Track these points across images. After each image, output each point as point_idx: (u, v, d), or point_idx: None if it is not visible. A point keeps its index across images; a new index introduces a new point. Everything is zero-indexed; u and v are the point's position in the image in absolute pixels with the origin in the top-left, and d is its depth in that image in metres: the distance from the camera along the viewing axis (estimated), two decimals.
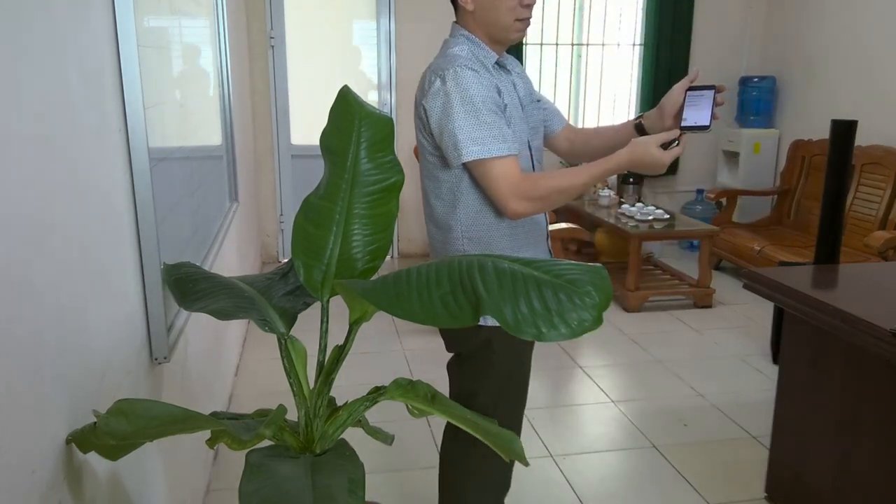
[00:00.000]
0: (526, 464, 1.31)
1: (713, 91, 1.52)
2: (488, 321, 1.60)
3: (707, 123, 1.51)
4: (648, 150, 1.46)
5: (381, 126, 1.47)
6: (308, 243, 1.43)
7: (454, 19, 1.65)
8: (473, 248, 1.63)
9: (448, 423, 1.61)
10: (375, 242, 1.46)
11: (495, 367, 1.65)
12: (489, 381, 1.66)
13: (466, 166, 1.56)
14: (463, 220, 1.62)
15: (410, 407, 1.40)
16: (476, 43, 1.60)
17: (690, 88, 1.57)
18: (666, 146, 1.47)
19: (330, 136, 1.49)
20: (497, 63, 1.62)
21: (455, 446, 1.75)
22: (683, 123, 1.53)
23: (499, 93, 1.57)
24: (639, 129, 1.68)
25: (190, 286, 1.44)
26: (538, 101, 1.77)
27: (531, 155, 1.69)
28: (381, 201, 1.47)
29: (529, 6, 1.56)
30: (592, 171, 1.51)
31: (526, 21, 1.57)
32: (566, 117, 1.93)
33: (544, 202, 1.54)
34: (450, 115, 1.51)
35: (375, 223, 1.46)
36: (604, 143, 1.74)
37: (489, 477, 1.74)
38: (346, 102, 1.51)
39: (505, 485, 1.81)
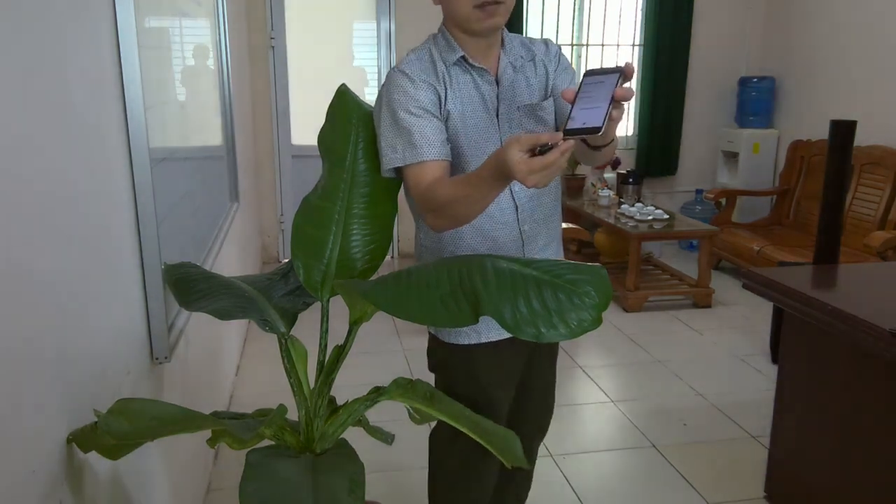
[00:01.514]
0: (527, 465, 1.31)
1: (617, 76, 1.10)
2: (441, 334, 1.59)
3: (599, 125, 1.06)
4: (505, 153, 1.11)
5: None
6: (307, 243, 1.43)
7: None
8: (429, 256, 1.57)
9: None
10: (375, 242, 1.46)
11: (450, 387, 1.59)
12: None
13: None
14: (422, 226, 1.57)
15: (411, 411, 1.40)
16: (447, 39, 1.47)
17: (589, 73, 1.13)
18: (536, 151, 1.09)
19: (328, 136, 1.49)
20: (466, 61, 1.46)
21: (440, 430, 1.70)
22: (570, 124, 1.08)
23: (439, 97, 1.43)
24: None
25: (190, 286, 1.44)
26: (549, 98, 1.55)
27: None
28: (379, 201, 1.47)
29: None
30: (470, 178, 1.27)
31: (489, 7, 1.37)
32: None
33: (443, 213, 1.35)
34: (378, 121, 1.45)
35: (374, 223, 1.46)
36: (580, 146, 1.37)
37: (473, 466, 1.68)
38: (343, 101, 1.51)
39: (488, 476, 1.69)
